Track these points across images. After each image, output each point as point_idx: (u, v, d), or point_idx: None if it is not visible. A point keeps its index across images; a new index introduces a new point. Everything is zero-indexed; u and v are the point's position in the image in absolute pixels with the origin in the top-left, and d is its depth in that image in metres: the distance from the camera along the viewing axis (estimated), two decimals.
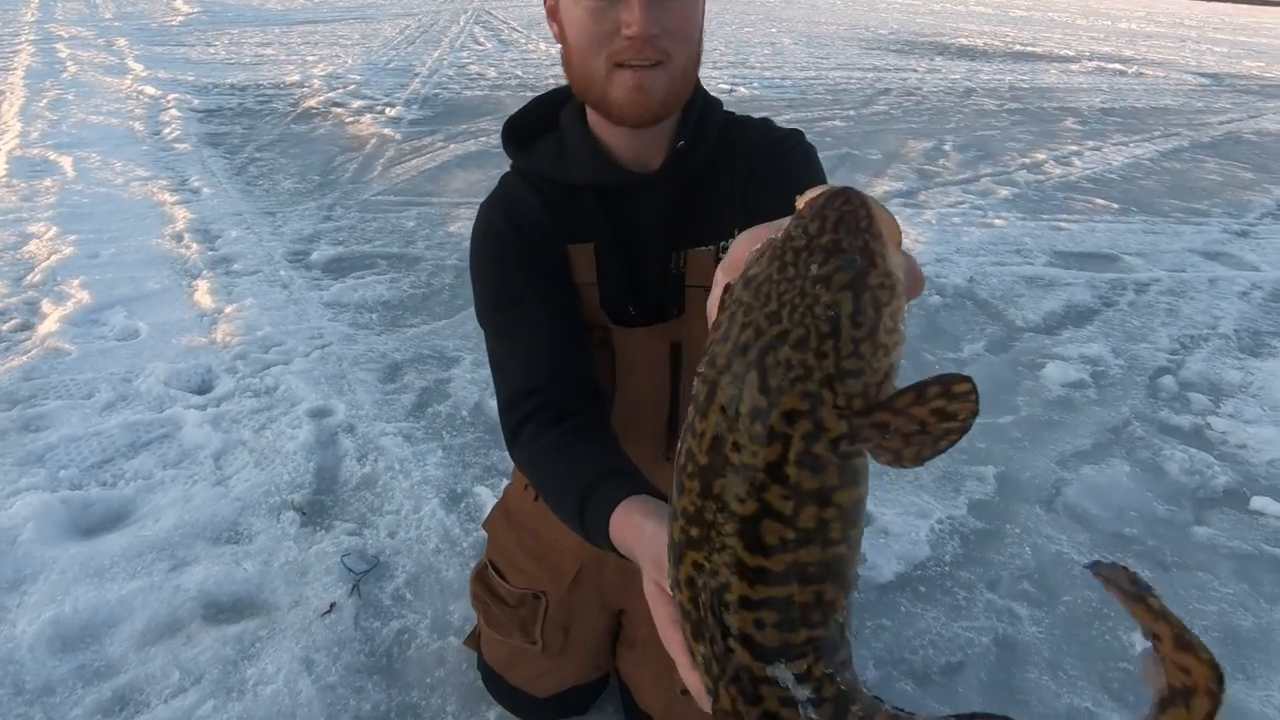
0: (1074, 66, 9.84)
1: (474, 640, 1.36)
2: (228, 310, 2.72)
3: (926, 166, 5.01)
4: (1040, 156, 5.39)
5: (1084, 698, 1.42)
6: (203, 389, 2.29)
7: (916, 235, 3.73)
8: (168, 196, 3.86)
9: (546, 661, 1.22)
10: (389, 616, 1.51)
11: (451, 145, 4.92)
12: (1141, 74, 9.49)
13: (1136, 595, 0.38)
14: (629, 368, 0.99)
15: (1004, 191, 4.53)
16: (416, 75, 7.08)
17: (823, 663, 0.41)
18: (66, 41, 8.38)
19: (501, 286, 0.96)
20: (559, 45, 0.90)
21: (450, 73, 7.30)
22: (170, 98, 5.90)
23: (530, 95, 1.04)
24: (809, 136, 1.01)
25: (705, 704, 0.45)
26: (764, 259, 0.39)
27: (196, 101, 5.86)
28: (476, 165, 4.51)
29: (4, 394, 2.18)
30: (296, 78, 6.78)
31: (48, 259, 3.08)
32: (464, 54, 8.35)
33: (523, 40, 9.47)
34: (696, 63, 0.90)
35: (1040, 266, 3.49)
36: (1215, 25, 17.12)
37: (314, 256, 3.25)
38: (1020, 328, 2.91)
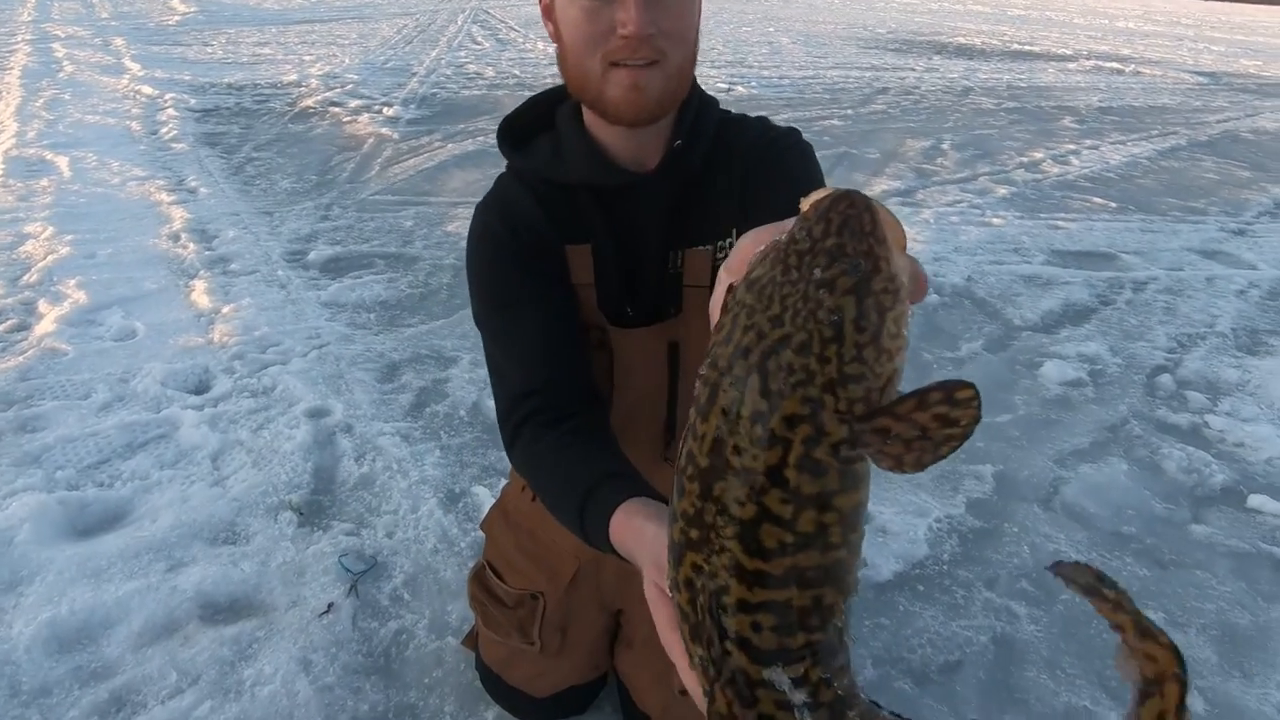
0: (1071, 65, 9.85)
1: (472, 640, 1.36)
2: (225, 310, 2.71)
3: (924, 165, 5.02)
4: (1038, 155, 5.40)
5: (1082, 696, 1.42)
6: (200, 389, 2.28)
7: (914, 234, 3.73)
8: (164, 196, 3.85)
9: (544, 662, 1.21)
10: (387, 617, 1.51)
11: (449, 145, 4.92)
12: (1139, 73, 9.50)
13: (1094, 589, 0.39)
14: (627, 368, 0.99)
15: (1002, 190, 4.54)
16: (414, 75, 7.07)
17: (820, 667, 0.41)
18: (63, 41, 8.37)
19: (498, 289, 0.95)
20: (554, 44, 0.90)
21: (448, 72, 7.30)
22: (167, 97, 5.89)
23: (528, 95, 1.03)
24: (807, 135, 1.01)
25: (704, 706, 0.45)
26: (767, 261, 0.38)
27: (193, 101, 5.85)
28: (474, 165, 4.51)
29: (0, 394, 2.18)
30: (294, 77, 6.76)
31: (44, 259, 3.08)
32: (462, 53, 8.34)
33: (520, 39, 9.47)
34: (692, 62, 0.89)
35: (1038, 265, 3.49)
36: (1212, 24, 17.14)
37: (311, 256, 3.24)
38: (1018, 326, 2.91)
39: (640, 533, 0.66)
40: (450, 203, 3.93)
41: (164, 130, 5.08)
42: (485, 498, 1.83)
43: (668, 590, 0.48)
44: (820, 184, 0.97)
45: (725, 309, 0.39)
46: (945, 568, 1.72)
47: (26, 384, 2.24)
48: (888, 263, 0.37)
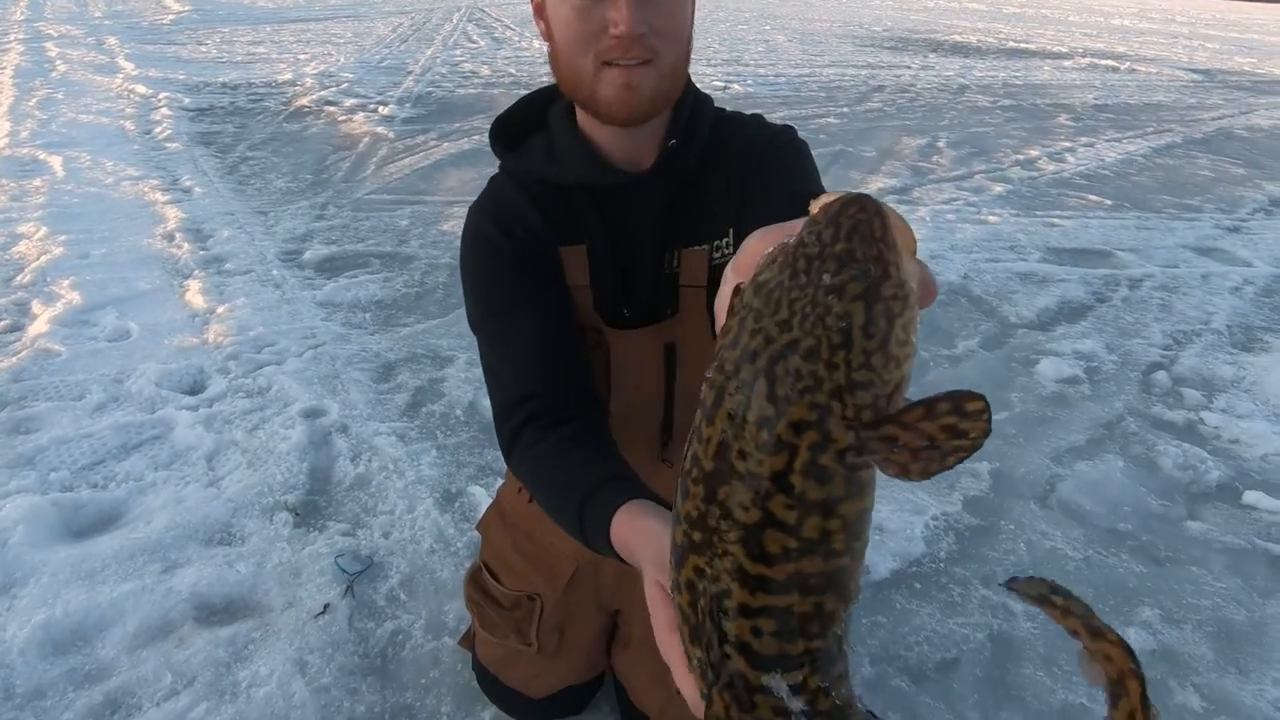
0: (1067, 63, 9.86)
1: (468, 641, 1.35)
2: (220, 310, 2.70)
3: (920, 163, 5.02)
4: (1034, 153, 5.40)
5: (1079, 693, 1.42)
6: (195, 389, 2.27)
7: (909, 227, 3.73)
8: (159, 196, 3.83)
9: (542, 662, 1.21)
10: (383, 617, 1.50)
11: (445, 144, 4.91)
12: (1134, 70, 9.52)
13: (1044, 598, 0.39)
14: (623, 369, 0.99)
15: (998, 188, 4.54)
16: (409, 73, 7.05)
17: (819, 675, 0.41)
18: (56, 40, 8.33)
19: (493, 292, 0.95)
20: (546, 43, 0.89)
21: (443, 71, 7.28)
22: (161, 96, 5.86)
23: (524, 93, 1.02)
24: (803, 134, 1.01)
25: (699, 710, 0.45)
26: (776, 264, 0.38)
27: (188, 100, 5.83)
28: (470, 164, 4.50)
29: None
30: (289, 76, 6.74)
31: (37, 259, 3.06)
32: (457, 52, 8.32)
33: (516, 38, 9.45)
34: (686, 60, 0.89)
35: (1034, 263, 3.49)
36: (1207, 21, 17.19)
37: (307, 256, 3.23)
38: (1014, 324, 2.92)
39: (643, 533, 0.66)
40: (446, 202, 3.92)
41: (158, 130, 5.06)
42: (482, 497, 1.83)
43: (669, 588, 0.48)
44: (816, 182, 0.97)
45: (732, 312, 0.39)
46: (942, 565, 1.72)
47: (20, 385, 2.23)
48: (897, 268, 0.37)
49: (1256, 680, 1.47)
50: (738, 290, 0.40)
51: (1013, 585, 0.40)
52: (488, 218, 0.96)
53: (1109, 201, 4.42)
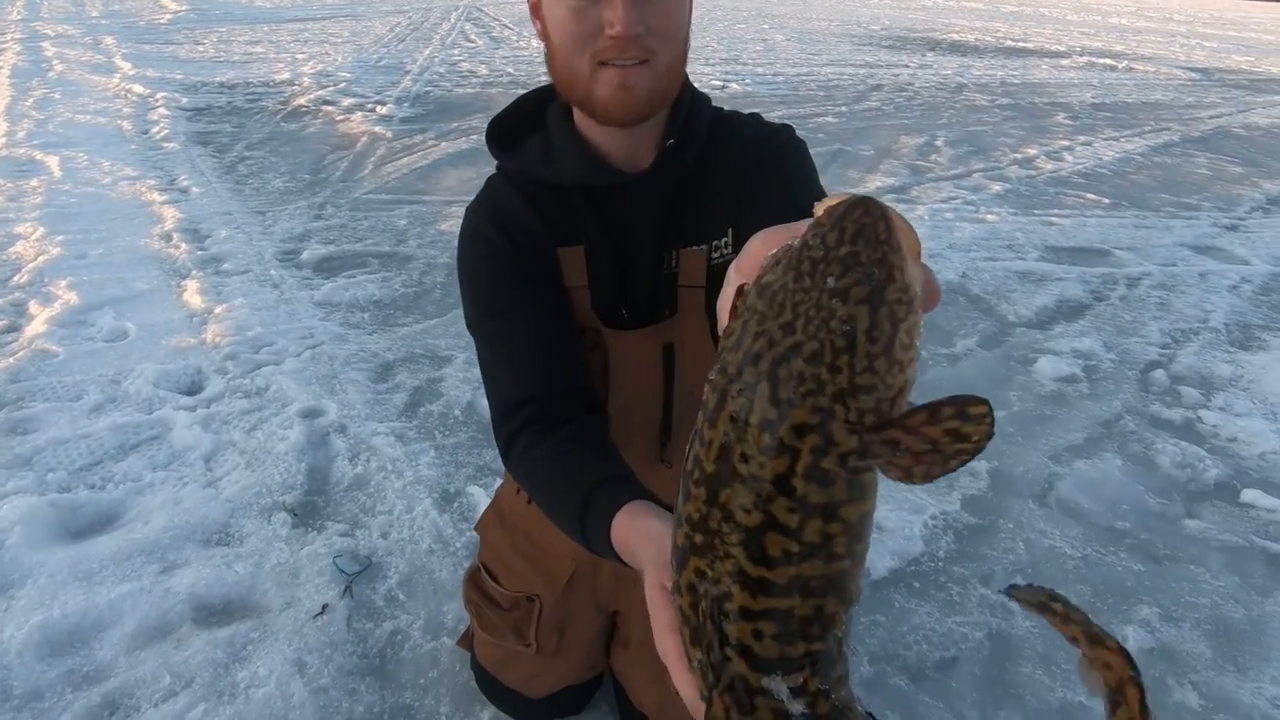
0: (1065, 62, 9.86)
1: (467, 641, 1.35)
2: (217, 310, 2.70)
3: (918, 162, 5.02)
4: (1031, 152, 5.41)
5: (1077, 692, 1.42)
6: (192, 390, 2.27)
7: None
8: (156, 196, 3.83)
9: (541, 663, 1.21)
10: (382, 618, 1.50)
11: (443, 143, 4.90)
12: (1132, 69, 9.53)
13: (1044, 605, 0.40)
14: (621, 370, 0.98)
15: (996, 187, 4.54)
16: (407, 73, 7.04)
17: (819, 678, 0.41)
18: (53, 40, 8.31)
19: (490, 294, 0.94)
20: (542, 43, 0.89)
21: (441, 70, 7.27)
22: (158, 96, 5.85)
23: (522, 92, 1.02)
24: (801, 132, 1.00)
25: (697, 713, 0.45)
26: (779, 267, 0.38)
27: (185, 100, 5.82)
28: (468, 163, 4.49)
29: None
30: (286, 76, 6.73)
31: (35, 260, 3.05)
32: (455, 51, 8.31)
33: (514, 37, 9.44)
34: (683, 60, 0.88)
35: (1032, 261, 3.50)
36: (1205, 20, 17.21)
37: (304, 256, 3.23)
38: (1012, 323, 2.92)
39: (644, 533, 0.66)
40: (444, 201, 3.91)
41: (155, 129, 5.05)
42: (480, 497, 1.83)
43: (670, 589, 0.47)
44: (815, 181, 0.97)
45: (735, 313, 0.39)
46: (941, 564, 1.72)
47: (17, 386, 2.23)
48: (902, 272, 0.36)
49: (1255, 678, 1.48)
50: (741, 291, 0.40)
51: (1014, 593, 0.40)
52: (485, 218, 0.95)
53: (1107, 200, 4.43)
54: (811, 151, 0.99)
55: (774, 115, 1.04)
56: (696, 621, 0.42)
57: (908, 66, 8.71)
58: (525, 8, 0.91)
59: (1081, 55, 10.42)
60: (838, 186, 4.40)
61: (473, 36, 9.40)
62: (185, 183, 4.06)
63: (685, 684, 0.48)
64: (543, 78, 0.94)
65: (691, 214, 0.96)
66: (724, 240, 0.96)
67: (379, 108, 5.66)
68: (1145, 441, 2.22)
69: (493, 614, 1.20)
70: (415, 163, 4.52)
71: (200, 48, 8.10)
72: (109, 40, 8.32)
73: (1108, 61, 9.95)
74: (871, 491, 0.40)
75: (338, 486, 1.88)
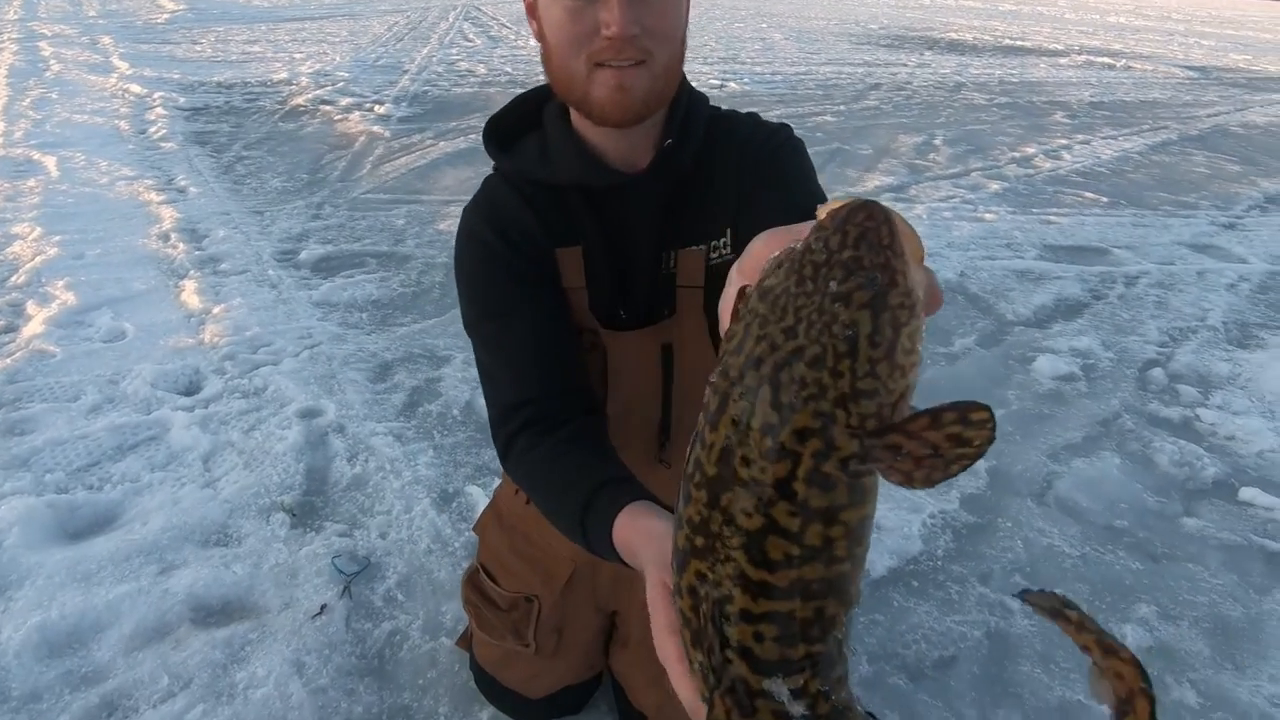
0: (1063, 60, 9.87)
1: (466, 641, 1.35)
2: (215, 310, 2.69)
3: (917, 161, 5.02)
4: (1030, 150, 5.41)
5: (1076, 690, 1.42)
6: (190, 390, 2.27)
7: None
8: (154, 196, 3.82)
9: (539, 663, 1.21)
10: (380, 618, 1.50)
11: (441, 142, 4.90)
12: (1130, 68, 9.53)
13: (1058, 612, 0.40)
14: (620, 371, 0.98)
15: (994, 186, 4.54)
16: (405, 72, 7.03)
17: (819, 679, 0.41)
18: (50, 40, 8.29)
19: (488, 295, 0.94)
20: (538, 43, 0.89)
21: (439, 69, 7.26)
22: (156, 96, 5.84)
23: (520, 92, 1.02)
24: (799, 132, 1.00)
25: (696, 715, 0.45)
26: (782, 270, 0.38)
27: (183, 100, 5.81)
28: (466, 162, 4.49)
29: None
30: (284, 75, 6.72)
31: (32, 260, 3.05)
32: (453, 50, 8.30)
33: (512, 36, 9.43)
34: (680, 61, 0.88)
35: (1030, 260, 3.50)
36: (1203, 19, 17.22)
37: (303, 255, 3.22)
38: (1011, 321, 2.92)
39: (646, 534, 0.66)
40: (442, 200, 3.91)
41: (153, 129, 5.05)
42: (479, 497, 1.83)
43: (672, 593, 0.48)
44: (813, 181, 0.97)
45: (737, 316, 0.39)
46: (939, 563, 1.72)
47: (15, 386, 2.22)
48: (904, 277, 0.36)
49: (1253, 676, 1.48)
50: (742, 293, 0.39)
51: (1026, 598, 0.40)
52: (482, 219, 0.95)
53: (1105, 199, 4.43)
54: (810, 151, 0.99)
55: (772, 114, 1.04)
56: (698, 624, 0.42)
57: (906, 65, 8.71)
58: (523, 7, 0.90)
59: (1079, 54, 10.42)
60: (836, 185, 4.40)
61: (471, 36, 9.39)
62: (183, 182, 4.06)
63: (684, 686, 0.48)
64: (540, 77, 0.94)
65: (690, 214, 0.95)
66: (722, 240, 0.96)
67: (377, 107, 5.66)
68: (1143, 440, 2.22)
69: (491, 615, 1.20)
70: (413, 162, 4.52)
71: (198, 47, 8.09)
72: (106, 40, 8.30)
73: (1106, 60, 9.96)
74: (872, 495, 0.40)
75: (336, 487, 1.87)
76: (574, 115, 0.92)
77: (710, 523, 0.40)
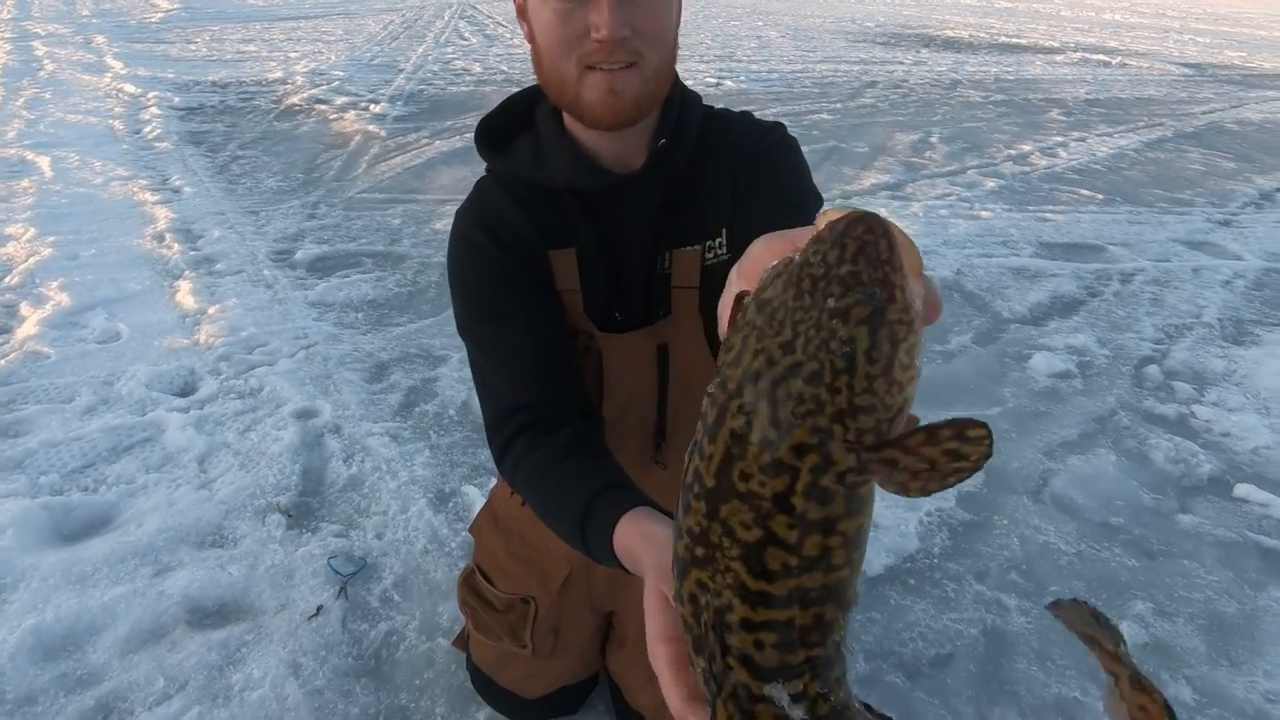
0: (1059, 58, 9.88)
1: (462, 641, 1.35)
2: (211, 311, 2.69)
3: (913, 159, 5.02)
4: (1026, 148, 5.41)
5: (1072, 687, 1.43)
6: (185, 391, 2.26)
7: (904, 228, 3.71)
8: (148, 196, 3.81)
9: (536, 663, 1.21)
10: (377, 618, 1.50)
11: (437, 142, 4.89)
12: (1125, 65, 9.55)
13: (1094, 640, 0.40)
14: (615, 373, 0.98)
15: (990, 183, 4.55)
16: (401, 71, 7.02)
17: (818, 682, 0.42)
18: (43, 39, 8.26)
19: (482, 299, 0.93)
20: (529, 45, 0.88)
21: (435, 68, 7.24)
22: (150, 96, 5.82)
23: (516, 90, 1.01)
24: (796, 130, 1.00)
25: (679, 717, 0.46)
26: (780, 282, 0.38)
27: (177, 99, 5.79)
28: (462, 162, 4.48)
29: None
30: (279, 74, 6.70)
31: (26, 261, 3.04)
32: (449, 49, 8.28)
33: (508, 35, 9.41)
34: (671, 62, 0.88)
35: (1026, 258, 3.50)
36: (1198, 16, 17.23)
37: (298, 255, 3.22)
38: (1007, 319, 2.92)
39: (647, 539, 0.66)
40: (438, 200, 3.90)
41: (147, 129, 5.03)
42: (475, 497, 1.83)
43: (671, 596, 0.48)
44: (808, 180, 0.97)
45: (735, 327, 0.39)
46: (936, 561, 1.73)
47: (9, 388, 2.22)
48: (903, 291, 0.36)
49: (1248, 672, 1.48)
50: (740, 301, 0.40)
51: (1059, 613, 0.41)
52: (475, 222, 0.95)
53: (1101, 196, 4.44)
54: (806, 149, 0.99)
55: (769, 112, 1.03)
56: (699, 630, 0.43)
57: (902, 63, 8.71)
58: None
59: (1075, 51, 10.44)
60: (833, 183, 4.40)
61: (466, 34, 9.37)
62: (178, 182, 4.04)
63: (672, 694, 0.49)
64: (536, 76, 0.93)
65: (684, 214, 0.95)
66: (718, 240, 0.96)
67: (373, 106, 5.64)
68: (1139, 437, 2.23)
69: (488, 616, 1.20)
70: (409, 161, 4.51)
71: (192, 46, 8.06)
72: (100, 39, 8.27)
73: (1101, 57, 9.97)
74: (869, 503, 0.40)
75: (332, 487, 1.87)
76: (566, 116, 0.91)
77: (710, 533, 0.40)
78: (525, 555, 1.17)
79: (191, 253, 3.19)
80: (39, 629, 1.42)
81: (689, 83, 0.96)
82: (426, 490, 1.85)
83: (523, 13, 0.87)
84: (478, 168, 1.00)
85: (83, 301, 2.71)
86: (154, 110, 5.45)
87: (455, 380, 2.34)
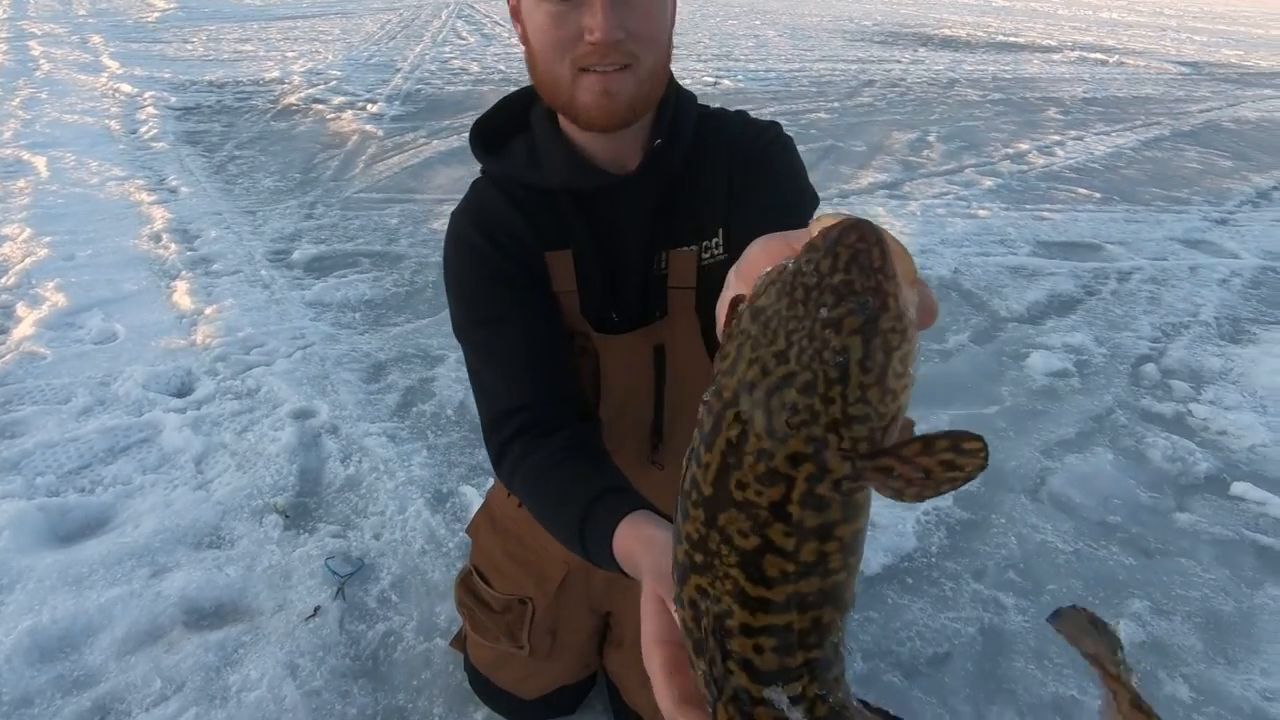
0: (1056, 56, 9.89)
1: (460, 642, 1.35)
2: (207, 311, 2.68)
3: (911, 158, 5.02)
4: (1023, 146, 5.42)
5: (1069, 686, 1.43)
6: (182, 392, 2.26)
7: (901, 227, 3.74)
8: (145, 196, 3.80)
9: (534, 664, 1.21)
10: (374, 619, 1.50)
11: (434, 141, 4.88)
12: (1123, 63, 9.56)
13: (1095, 658, 0.40)
14: (612, 374, 0.98)
15: (988, 182, 4.55)
16: (398, 70, 7.01)
17: (816, 683, 0.43)
18: (39, 39, 8.24)
19: (478, 301, 0.93)
20: (523, 47, 0.88)
21: (432, 68, 7.24)
22: (147, 95, 5.81)
23: (514, 90, 1.01)
24: (793, 129, 1.00)
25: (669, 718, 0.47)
26: (773, 290, 0.38)
27: (174, 99, 5.77)
28: (460, 161, 4.48)
29: None
30: (276, 74, 6.69)
31: (22, 261, 3.03)
32: (446, 49, 8.27)
33: (505, 34, 9.40)
34: (666, 63, 0.87)
35: (1024, 256, 3.51)
36: (1195, 14, 17.26)
37: (295, 255, 3.21)
38: (1004, 318, 2.93)
39: (646, 543, 0.66)
40: (436, 199, 3.90)
41: (144, 129, 5.02)
42: (473, 497, 1.82)
43: (668, 600, 0.50)
44: (804, 179, 0.97)
45: (730, 335, 0.39)
46: (933, 560, 1.73)
47: (4, 389, 2.21)
48: (896, 300, 0.36)
49: (1245, 670, 1.48)
50: (735, 307, 0.40)
51: (1060, 625, 0.41)
52: (470, 223, 0.94)
53: (1098, 195, 4.44)
54: (804, 148, 0.99)
55: (766, 111, 1.03)
56: (699, 634, 0.44)
57: (900, 62, 8.72)
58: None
59: (1073, 50, 10.44)
60: (830, 182, 4.40)
61: (464, 34, 9.36)
62: (174, 182, 4.04)
63: (665, 695, 0.50)
64: None
65: (680, 214, 0.95)
66: (714, 240, 0.96)
67: (370, 106, 5.64)
68: (1136, 435, 2.23)
69: (485, 617, 1.20)
70: (406, 161, 4.50)
71: (189, 46, 8.05)
72: (96, 39, 8.25)
73: (1099, 56, 9.98)
74: (865, 508, 0.41)
75: (329, 488, 1.87)
76: (561, 118, 0.91)
77: (708, 540, 0.41)
78: (522, 556, 1.17)
79: (188, 253, 3.18)
80: (35, 630, 1.42)
81: (686, 82, 0.96)
82: (424, 490, 1.85)
83: (516, 14, 0.87)
84: (475, 167, 1.00)
85: (79, 302, 2.71)
86: (150, 110, 5.44)
87: (453, 380, 2.34)
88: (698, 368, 0.96)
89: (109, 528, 1.72)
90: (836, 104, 6.44)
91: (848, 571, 0.41)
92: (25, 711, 1.29)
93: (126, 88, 6.04)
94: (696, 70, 7.40)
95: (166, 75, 6.53)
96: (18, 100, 5.61)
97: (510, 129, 0.97)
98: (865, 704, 0.47)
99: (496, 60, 7.70)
